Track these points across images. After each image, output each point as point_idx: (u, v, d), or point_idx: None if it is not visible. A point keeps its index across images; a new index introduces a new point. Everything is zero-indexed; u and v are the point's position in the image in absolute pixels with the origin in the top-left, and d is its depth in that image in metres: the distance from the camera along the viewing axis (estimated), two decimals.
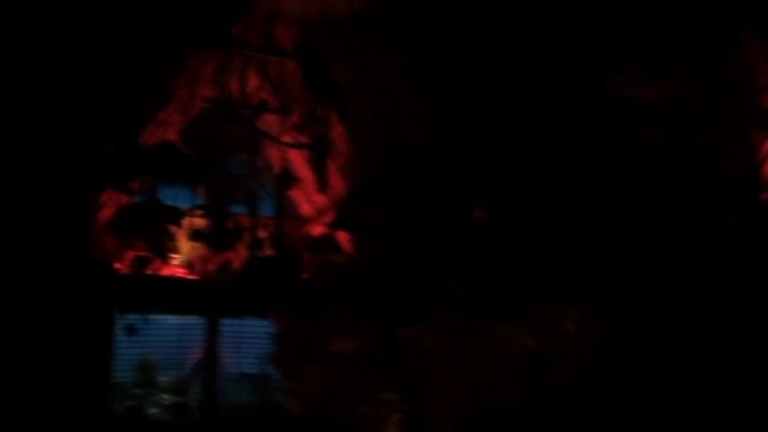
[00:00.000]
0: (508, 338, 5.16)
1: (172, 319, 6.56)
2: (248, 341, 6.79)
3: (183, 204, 5.74)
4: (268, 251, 5.98)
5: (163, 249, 5.61)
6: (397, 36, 4.88)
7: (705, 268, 5.12)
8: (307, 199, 6.47)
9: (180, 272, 6.06)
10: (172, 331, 6.58)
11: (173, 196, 5.72)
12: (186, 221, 5.68)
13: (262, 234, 6.01)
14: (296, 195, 6.50)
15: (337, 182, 5.95)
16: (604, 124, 4.49)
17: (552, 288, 4.98)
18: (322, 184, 5.02)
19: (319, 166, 4.93)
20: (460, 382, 5.38)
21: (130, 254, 5.57)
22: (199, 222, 5.71)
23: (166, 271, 5.87)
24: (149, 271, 5.62)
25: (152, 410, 6.37)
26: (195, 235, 5.67)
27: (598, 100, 4.45)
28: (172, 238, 5.66)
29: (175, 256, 5.89)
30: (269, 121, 5.97)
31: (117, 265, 5.69)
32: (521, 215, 4.89)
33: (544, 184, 4.71)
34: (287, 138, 5.76)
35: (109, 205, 5.64)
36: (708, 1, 4.37)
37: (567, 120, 4.45)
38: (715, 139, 5.02)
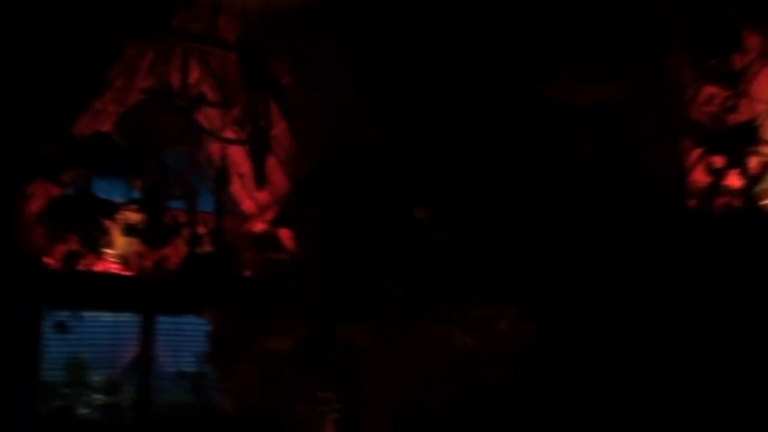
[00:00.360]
0: (445, 338, 5.23)
1: (106, 317, 6.35)
2: (185, 339, 6.64)
3: (117, 197, 5.57)
4: (207, 247, 5.88)
5: (97, 244, 5.44)
6: (341, 35, 4.88)
7: (633, 268, 5.31)
8: (249, 196, 6.36)
9: (114, 268, 5.87)
10: (105, 329, 6.36)
11: (107, 189, 5.55)
12: (120, 215, 5.52)
13: (201, 230, 5.90)
14: (238, 191, 6.39)
15: (280, 179, 5.88)
16: (540, 128, 4.60)
17: (488, 288, 5.08)
18: (261, 181, 4.95)
19: (258, 162, 4.86)
20: (397, 381, 5.41)
21: (61, 249, 5.37)
22: (135, 216, 5.56)
23: (99, 267, 5.68)
24: (81, 267, 5.44)
25: (83, 410, 6.16)
26: (130, 229, 5.51)
27: (534, 104, 4.55)
28: (105, 232, 5.49)
29: (108, 251, 5.70)
30: (211, 115, 5.86)
31: (47, 260, 5.47)
32: (460, 216, 4.96)
33: (481, 186, 4.79)
34: (229, 133, 5.67)
35: (39, 196, 5.40)
36: (641, 13, 4.52)
37: (504, 123, 4.54)
38: (647, 145, 5.21)
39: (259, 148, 4.75)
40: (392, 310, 4.83)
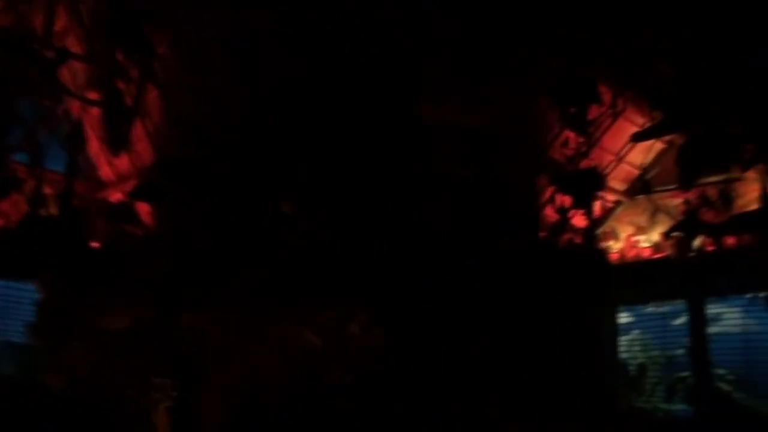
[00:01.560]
0: (293, 334, 5.21)
1: None
2: (14, 306, 6.07)
3: None
4: (52, 210, 5.43)
5: None
6: (223, 18, 4.72)
7: (486, 287, 5.65)
8: (109, 162, 5.95)
9: None
10: None
11: None
12: None
13: (47, 190, 5.43)
14: (97, 156, 5.96)
15: (144, 149, 5.56)
16: (410, 142, 4.75)
17: (342, 290, 5.14)
18: (115, 146, 4.64)
19: (114, 126, 4.55)
20: (238, 374, 5.31)
21: None
22: None
23: None
24: None
25: None
26: None
27: (406, 119, 4.69)
28: None
29: None
30: (74, 68, 5.39)
31: None
32: (325, 218, 4.99)
33: (349, 191, 4.85)
34: (91, 93, 5.25)
35: None
36: (516, 50, 4.82)
37: (377, 133, 4.63)
38: (507, 175, 5.55)
39: (116, 112, 4.43)
40: (242, 300, 4.73)
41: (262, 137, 4.81)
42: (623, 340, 7.39)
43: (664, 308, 7.02)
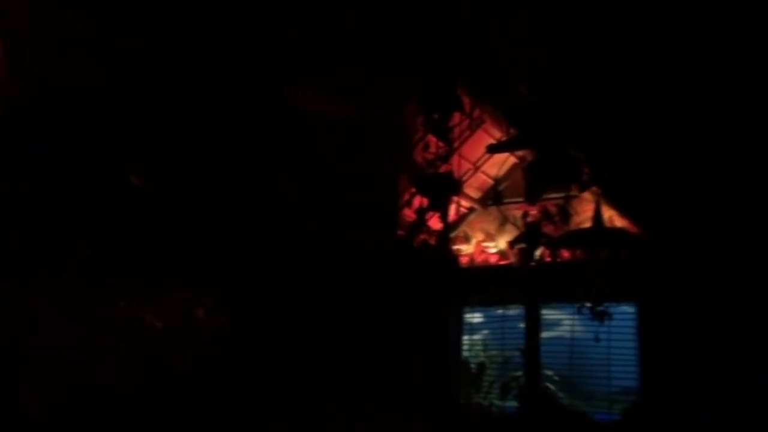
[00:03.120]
0: (131, 314, 4.96)
1: None
2: None
3: None
4: None
5: None
6: None
7: (339, 279, 5.73)
8: None
9: None
10: None
11: None
12: None
13: None
14: None
15: None
16: (278, 128, 4.72)
17: (189, 271, 4.98)
18: None
19: None
20: (68, 352, 4.96)
21: None
22: None
23: None
24: None
25: None
26: None
27: (275, 102, 4.65)
28: None
29: None
30: None
31: None
32: (177, 194, 4.80)
33: (206, 171, 4.71)
34: None
35: None
36: (393, 47, 4.92)
37: (244, 116, 4.54)
38: (373, 173, 5.68)
39: None
40: (77, 274, 4.42)
41: (118, 104, 4.53)
42: (469, 339, 7.85)
43: (512, 311, 7.56)
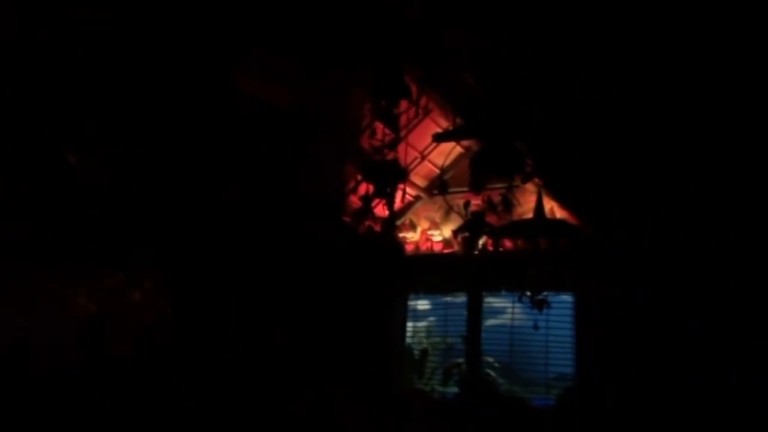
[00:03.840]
0: (63, 297, 4.79)
1: None
2: None
3: None
4: None
5: None
6: None
7: (285, 265, 5.69)
8: None
9: None
10: None
11: None
12: None
13: None
14: None
15: None
16: (224, 111, 4.62)
17: (128, 253, 4.84)
18: None
19: None
20: None
21: None
22: None
23: None
24: None
25: None
26: None
27: (221, 85, 4.55)
28: None
29: None
30: None
31: None
32: (116, 174, 4.65)
33: (147, 149, 4.57)
34: None
35: None
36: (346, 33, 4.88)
37: (188, 98, 4.42)
38: (320, 158, 5.64)
39: None
40: (2, 255, 4.23)
41: (54, 83, 4.34)
42: (413, 326, 7.94)
43: (456, 299, 7.67)
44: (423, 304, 8.02)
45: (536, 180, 6.32)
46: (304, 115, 5.15)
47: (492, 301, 7.60)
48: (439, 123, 6.64)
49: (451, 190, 7.51)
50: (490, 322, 7.61)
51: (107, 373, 5.04)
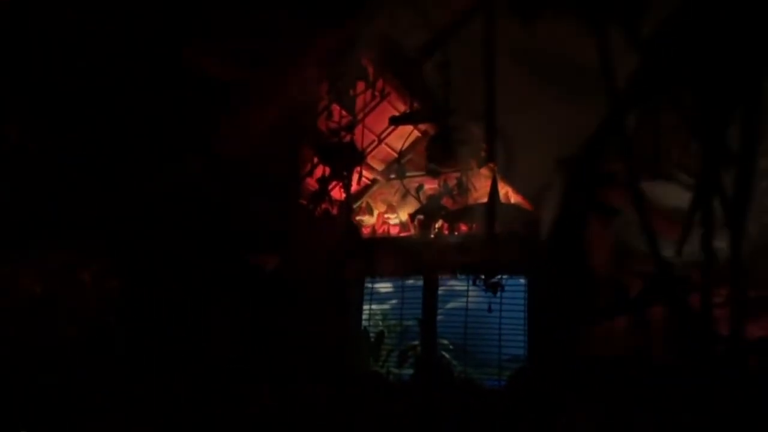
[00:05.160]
0: (6, 279, 4.61)
1: None
2: None
3: None
4: None
5: None
6: None
7: (240, 249, 5.62)
8: None
9: None
10: None
11: None
12: None
13: None
14: None
15: None
16: (173, 88, 4.49)
17: (75, 235, 4.69)
18: None
19: None
20: None
21: None
22: None
23: None
24: None
25: None
26: None
27: (174, 63, 4.42)
28: None
29: None
30: None
31: None
32: (61, 151, 4.49)
33: (94, 127, 4.43)
34: None
35: None
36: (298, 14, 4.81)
37: (134, 75, 4.28)
38: (269, 140, 5.55)
39: None
40: None
41: None
42: (369, 309, 7.97)
43: (413, 282, 7.71)
44: (380, 287, 8.05)
45: (491, 165, 6.40)
46: (257, 95, 5.05)
47: (447, 285, 7.67)
48: (397, 107, 6.64)
49: (408, 173, 7.59)
50: (445, 305, 7.69)
51: (55, 354, 4.92)
